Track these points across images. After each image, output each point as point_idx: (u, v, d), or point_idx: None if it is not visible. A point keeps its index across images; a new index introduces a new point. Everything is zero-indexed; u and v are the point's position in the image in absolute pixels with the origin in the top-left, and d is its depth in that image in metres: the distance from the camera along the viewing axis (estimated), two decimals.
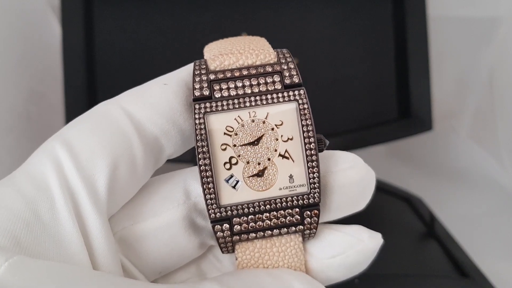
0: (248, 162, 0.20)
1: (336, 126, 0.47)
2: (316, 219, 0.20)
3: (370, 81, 0.48)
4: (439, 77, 0.55)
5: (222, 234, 0.20)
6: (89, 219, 0.18)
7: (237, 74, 0.20)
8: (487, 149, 0.56)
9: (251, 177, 0.20)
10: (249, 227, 0.20)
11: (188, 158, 0.22)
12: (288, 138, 0.20)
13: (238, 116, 0.20)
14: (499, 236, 0.49)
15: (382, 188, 0.51)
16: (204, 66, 0.20)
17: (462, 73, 0.60)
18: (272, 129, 0.20)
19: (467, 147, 0.58)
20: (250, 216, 0.19)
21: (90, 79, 0.44)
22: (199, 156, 0.19)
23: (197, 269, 0.22)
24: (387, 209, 0.49)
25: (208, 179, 0.19)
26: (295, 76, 0.20)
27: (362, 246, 0.20)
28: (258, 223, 0.20)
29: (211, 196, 0.19)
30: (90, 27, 0.44)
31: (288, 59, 0.21)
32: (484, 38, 0.56)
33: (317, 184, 0.19)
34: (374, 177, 0.21)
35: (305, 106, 0.20)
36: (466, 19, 0.56)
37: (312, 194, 0.20)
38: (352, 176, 0.20)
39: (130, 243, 0.20)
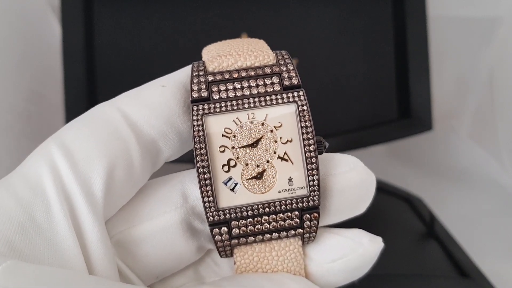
0: (246, 165, 0.19)
1: (336, 126, 0.47)
2: (316, 222, 0.20)
3: (370, 81, 0.48)
4: (439, 77, 0.55)
5: (220, 237, 0.19)
6: (85, 223, 0.18)
7: (235, 75, 0.20)
8: (487, 149, 0.56)
9: (249, 180, 0.19)
10: (248, 231, 0.19)
11: (187, 158, 0.22)
12: (288, 140, 0.20)
13: (237, 117, 0.19)
14: (499, 236, 0.49)
15: (382, 188, 0.51)
16: (202, 68, 0.20)
17: (462, 73, 0.59)
18: (271, 131, 0.20)
19: (467, 147, 0.58)
20: (249, 220, 0.19)
21: (90, 79, 0.44)
22: (197, 158, 0.19)
23: (195, 274, 0.22)
24: (387, 209, 0.49)
25: (206, 182, 0.19)
26: (294, 78, 0.20)
27: (362, 250, 0.20)
28: (257, 226, 0.19)
29: (209, 199, 0.19)
30: (90, 27, 0.44)
31: (287, 61, 0.20)
32: (484, 38, 0.56)
33: (317, 187, 0.19)
34: (375, 180, 0.21)
35: (305, 108, 0.19)
36: (466, 19, 0.56)
37: (311, 197, 0.19)
38: (352, 179, 0.20)
39: (127, 246, 0.20)
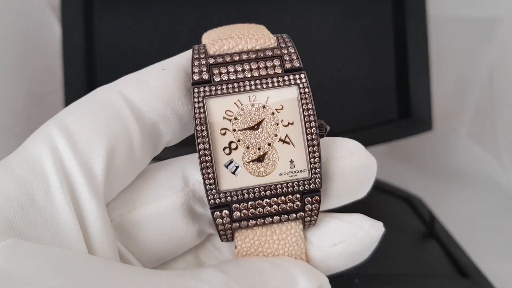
0: (248, 147, 0.19)
1: (336, 126, 0.47)
2: (317, 205, 0.19)
3: (370, 81, 0.48)
4: (439, 77, 0.55)
5: (221, 221, 0.19)
6: (85, 204, 0.18)
7: (236, 58, 0.20)
8: (487, 149, 0.56)
9: (251, 162, 0.19)
10: (249, 214, 0.19)
11: (188, 142, 0.22)
12: (289, 123, 0.19)
13: (238, 100, 0.19)
14: (499, 236, 0.49)
15: (382, 188, 0.51)
16: (203, 51, 0.20)
17: (462, 73, 0.59)
18: (273, 113, 0.19)
19: (467, 147, 0.58)
20: (250, 202, 0.19)
21: (90, 79, 0.44)
22: (198, 140, 0.19)
23: (195, 258, 0.22)
24: (387, 209, 0.49)
25: (208, 164, 0.19)
26: (295, 60, 0.20)
27: (363, 234, 0.20)
28: (258, 209, 0.19)
29: (211, 181, 0.19)
30: (90, 27, 0.44)
31: (288, 44, 0.20)
32: (484, 38, 0.56)
33: (318, 170, 0.19)
34: (375, 164, 0.21)
35: (306, 90, 0.19)
36: (466, 19, 0.56)
37: (313, 180, 0.19)
38: (353, 163, 0.20)
39: (127, 230, 0.20)
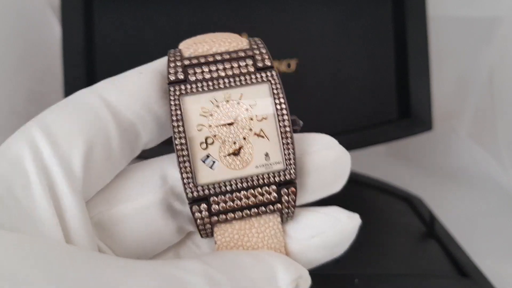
0: (224, 142, 0.20)
1: (336, 126, 0.47)
2: (294, 197, 0.20)
3: (370, 81, 0.48)
4: (439, 77, 0.55)
5: (200, 215, 0.19)
6: (64, 198, 0.18)
7: (210, 59, 0.20)
8: (487, 149, 0.56)
9: (227, 156, 0.20)
10: (227, 207, 0.20)
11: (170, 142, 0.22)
12: (263, 118, 0.20)
13: (213, 97, 0.20)
14: (499, 236, 0.49)
15: (382, 188, 0.51)
16: (179, 54, 0.21)
17: (462, 73, 0.59)
18: (247, 109, 0.20)
19: (467, 147, 0.58)
20: (227, 195, 0.19)
21: (90, 79, 0.44)
22: (175, 135, 0.19)
23: (176, 256, 0.22)
24: (387, 209, 0.49)
25: (185, 158, 0.19)
26: (266, 60, 0.21)
27: (340, 226, 0.20)
28: (235, 202, 0.20)
29: (188, 175, 0.19)
30: (90, 27, 0.44)
31: (260, 45, 0.21)
32: (484, 38, 0.56)
33: (293, 161, 0.20)
34: (350, 159, 0.21)
35: (278, 86, 0.20)
36: (466, 19, 0.56)
37: (288, 170, 0.20)
38: (328, 157, 0.21)
39: (106, 227, 0.20)
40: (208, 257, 0.19)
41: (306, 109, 0.47)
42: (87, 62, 0.44)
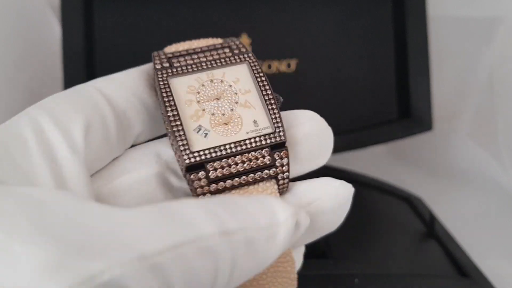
0: (213, 114, 0.21)
1: (336, 126, 0.47)
2: (287, 160, 0.21)
3: (370, 81, 0.48)
4: (439, 77, 0.55)
5: (199, 182, 0.20)
6: (67, 166, 0.18)
7: (191, 52, 0.23)
8: (487, 149, 0.56)
9: (218, 126, 0.21)
10: (225, 172, 0.20)
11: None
12: (246, 91, 0.22)
13: (198, 77, 0.22)
14: (499, 236, 0.49)
15: (382, 188, 0.51)
16: (162, 52, 0.23)
17: (462, 73, 0.59)
18: (230, 86, 0.22)
19: (467, 147, 0.58)
20: (223, 160, 0.20)
21: (90, 79, 0.44)
22: (167, 109, 0.20)
23: None
24: (387, 209, 0.49)
25: (179, 128, 0.20)
26: (242, 48, 0.23)
27: (334, 190, 0.21)
28: (232, 167, 0.20)
29: (184, 142, 0.20)
30: (90, 27, 0.44)
31: (235, 41, 0.23)
32: (484, 38, 0.56)
33: (280, 123, 0.21)
34: (332, 133, 0.23)
35: (256, 64, 0.22)
36: (466, 19, 0.56)
37: (277, 133, 0.21)
38: (312, 128, 0.22)
39: (105, 200, 0.20)
40: (205, 199, 0.19)
41: (306, 109, 0.47)
42: (87, 62, 0.44)
